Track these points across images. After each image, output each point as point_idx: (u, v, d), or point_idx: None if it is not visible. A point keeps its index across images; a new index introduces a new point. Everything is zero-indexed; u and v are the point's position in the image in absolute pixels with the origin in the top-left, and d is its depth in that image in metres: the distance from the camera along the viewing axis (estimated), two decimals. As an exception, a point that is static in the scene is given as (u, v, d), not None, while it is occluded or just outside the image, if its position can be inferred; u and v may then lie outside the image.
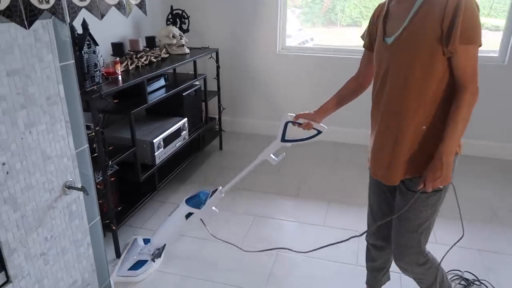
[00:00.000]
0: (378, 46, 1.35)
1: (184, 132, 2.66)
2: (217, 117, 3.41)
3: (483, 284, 1.93)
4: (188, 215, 1.84)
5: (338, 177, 2.98)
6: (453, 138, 1.23)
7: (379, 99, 1.37)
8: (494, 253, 2.16)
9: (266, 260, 2.10)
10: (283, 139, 1.76)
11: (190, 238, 2.27)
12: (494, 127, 3.23)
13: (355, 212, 2.54)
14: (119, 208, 2.14)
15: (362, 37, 1.50)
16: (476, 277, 1.96)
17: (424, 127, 1.28)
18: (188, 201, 1.85)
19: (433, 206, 1.35)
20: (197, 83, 2.98)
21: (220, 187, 1.82)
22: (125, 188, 2.29)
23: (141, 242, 2.13)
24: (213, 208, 1.85)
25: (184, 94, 2.74)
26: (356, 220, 2.44)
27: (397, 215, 1.38)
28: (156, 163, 2.35)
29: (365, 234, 1.60)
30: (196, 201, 1.84)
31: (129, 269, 1.95)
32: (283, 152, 1.81)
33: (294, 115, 1.66)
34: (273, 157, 1.80)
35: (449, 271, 2.01)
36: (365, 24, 3.93)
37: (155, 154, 2.32)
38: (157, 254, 2.00)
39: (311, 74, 3.50)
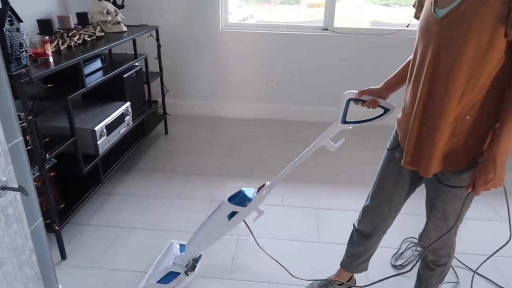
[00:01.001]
0: (425, 18, 1.18)
1: (128, 117, 2.46)
2: (160, 99, 3.21)
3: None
4: (231, 214, 1.59)
5: (291, 156, 2.95)
6: (509, 136, 1.10)
7: (419, 78, 1.21)
8: (442, 219, 2.27)
9: (228, 245, 2.02)
10: (344, 121, 1.48)
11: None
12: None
13: (312, 190, 2.54)
14: (61, 206, 1.93)
15: (414, 5, 1.31)
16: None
17: (468, 117, 1.15)
18: (231, 200, 1.59)
19: (469, 200, 1.29)
20: (137, 63, 2.76)
21: (267, 183, 1.55)
22: (66, 183, 2.07)
23: (176, 250, 1.87)
24: (259, 207, 1.58)
25: (124, 76, 2.52)
26: (315, 198, 2.44)
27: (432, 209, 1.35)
28: (100, 153, 2.14)
29: (357, 221, 1.60)
30: (240, 199, 1.58)
31: (158, 281, 1.71)
32: (343, 137, 1.50)
33: (357, 91, 1.43)
34: (332, 143, 1.52)
35: (405, 239, 2.08)
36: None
37: (98, 143, 2.11)
38: (191, 266, 1.72)
39: (257, 51, 3.40)
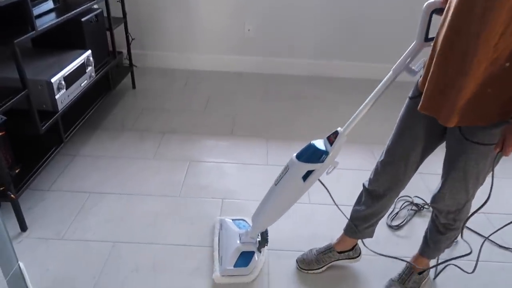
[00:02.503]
0: None
1: (90, 68, 2.14)
2: (125, 50, 2.87)
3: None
4: (307, 174, 1.31)
5: (272, 111, 2.75)
6: None
7: (448, 11, 1.02)
8: (434, 175, 2.18)
9: (211, 209, 1.84)
10: (427, 38, 1.18)
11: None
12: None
13: (297, 148, 2.37)
14: (16, 171, 1.65)
15: None
16: (424, 201, 1.96)
17: (508, 64, 0.97)
18: (302, 157, 1.31)
19: (496, 161, 1.12)
20: (96, 6, 2.39)
21: (340, 129, 1.28)
22: (22, 145, 1.78)
23: (234, 226, 1.66)
24: (336, 160, 1.32)
25: (83, 20, 2.17)
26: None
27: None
28: (59, 108, 1.85)
29: (368, 180, 1.44)
30: (313, 154, 1.29)
31: (234, 266, 1.49)
32: (423, 57, 1.19)
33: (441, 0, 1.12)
34: (413, 67, 1.21)
35: (399, 197, 1.97)
36: None
37: (56, 97, 1.81)
38: (263, 241, 1.51)
39: (233, -4, 3.08)
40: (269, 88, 3.10)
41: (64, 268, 1.50)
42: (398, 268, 1.54)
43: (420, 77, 1.20)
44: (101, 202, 1.84)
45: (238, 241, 1.54)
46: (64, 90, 1.87)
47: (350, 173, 2.17)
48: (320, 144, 1.31)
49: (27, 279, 1.36)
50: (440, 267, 1.56)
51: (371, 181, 1.41)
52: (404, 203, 1.94)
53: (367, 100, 1.26)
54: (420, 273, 1.50)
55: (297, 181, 1.32)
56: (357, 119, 1.26)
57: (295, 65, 3.30)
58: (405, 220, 1.83)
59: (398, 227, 1.80)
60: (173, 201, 1.88)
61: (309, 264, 1.54)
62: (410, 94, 1.26)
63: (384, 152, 1.35)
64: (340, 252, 1.56)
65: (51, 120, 1.79)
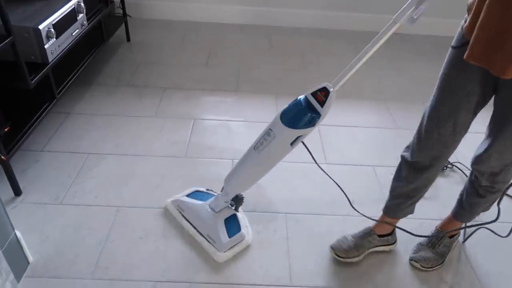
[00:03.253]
0: None
1: (81, 15, 1.92)
2: (118, -2, 2.62)
3: (455, 166, 1.83)
4: (295, 140, 1.15)
5: (279, 66, 2.57)
6: None
7: None
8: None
9: (220, 170, 1.71)
10: None
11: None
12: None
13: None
14: (5, 129, 1.49)
15: None
16: (448, 161, 1.84)
17: None
18: (290, 123, 1.12)
19: None
20: None
21: (328, 84, 1.09)
22: (10, 101, 1.60)
23: (194, 201, 1.48)
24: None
25: (71, -40, 1.92)
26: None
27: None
28: (49, 60, 1.65)
29: (405, 150, 1.28)
30: (304, 118, 1.11)
31: (229, 235, 1.36)
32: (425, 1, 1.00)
33: None
34: (413, 15, 1.03)
35: (420, 157, 1.86)
36: None
37: (46, 47, 1.61)
38: (239, 201, 1.38)
39: None
40: (275, 41, 2.89)
41: (66, 236, 1.38)
42: (426, 231, 1.44)
43: (465, 22, 1.03)
44: (101, 163, 1.70)
45: (214, 212, 1.39)
46: (54, 39, 1.66)
47: (366, 131, 2.04)
48: (310, 104, 1.12)
49: (25, 248, 1.24)
50: (470, 230, 1.47)
51: (413, 152, 1.23)
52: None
53: (361, 53, 1.06)
54: (451, 237, 1.40)
55: (285, 147, 1.17)
56: (350, 73, 1.08)
57: (301, 16, 3.07)
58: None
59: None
60: (179, 161, 1.74)
61: (347, 252, 1.34)
62: (453, 43, 1.08)
63: (425, 115, 1.17)
64: (380, 236, 1.39)
65: (41, 73, 1.60)
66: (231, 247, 1.35)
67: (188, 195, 1.52)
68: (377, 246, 1.40)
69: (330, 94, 1.08)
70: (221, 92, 2.25)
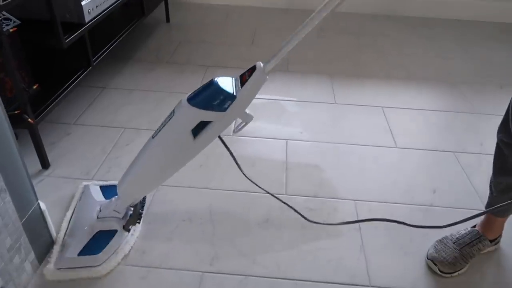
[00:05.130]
0: None
1: (122, -21, 1.74)
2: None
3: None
4: (199, 127, 0.88)
5: (331, 47, 2.32)
6: None
7: None
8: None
9: (273, 151, 1.47)
10: None
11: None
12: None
13: (368, 87, 1.96)
14: (34, 87, 1.31)
15: None
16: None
17: None
18: (193, 99, 0.87)
19: None
20: None
21: (259, 63, 0.87)
22: (42, 64, 1.43)
23: (97, 195, 1.16)
24: (247, 111, 0.90)
25: None
26: (369, 94, 1.87)
27: None
28: (86, 20, 1.47)
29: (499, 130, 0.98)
30: (211, 96, 0.86)
31: (80, 253, 1.01)
32: None
33: None
34: None
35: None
36: None
37: (82, 3, 1.44)
38: (133, 217, 1.05)
39: None
40: (324, 25, 2.64)
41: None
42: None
43: None
44: (138, 138, 1.50)
45: (95, 216, 1.06)
46: (92, -2, 1.49)
47: (441, 115, 1.75)
48: (227, 83, 0.87)
49: (49, 221, 1.03)
50: None
51: (504, 132, 0.95)
52: None
53: (301, 27, 0.85)
54: (492, 240, 1.09)
55: (183, 134, 0.88)
56: (283, 54, 0.86)
57: (351, 0, 2.82)
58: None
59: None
60: (225, 139, 1.51)
61: (454, 264, 1.04)
62: None
63: None
64: (492, 241, 1.09)
65: (77, 33, 1.42)
66: (70, 268, 0.98)
67: (104, 186, 1.21)
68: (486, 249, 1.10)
69: (255, 71, 0.84)
70: (270, 72, 2.02)
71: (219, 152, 1.42)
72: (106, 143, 1.45)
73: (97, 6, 1.54)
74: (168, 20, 2.57)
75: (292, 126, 1.61)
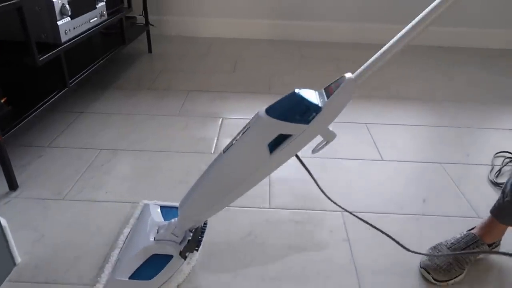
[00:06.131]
0: None
1: (101, 4, 1.75)
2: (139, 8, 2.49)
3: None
4: (276, 142, 0.78)
5: (313, 72, 2.34)
6: None
7: None
8: (529, 132, 1.74)
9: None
10: None
11: (133, 152, 1.47)
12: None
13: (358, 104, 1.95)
14: (3, 100, 1.25)
15: None
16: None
17: None
18: (271, 110, 0.79)
19: None
20: None
21: (349, 74, 0.77)
22: (15, 83, 1.39)
23: (156, 215, 1.08)
24: (330, 128, 0.78)
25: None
26: (349, 114, 1.86)
27: None
28: (62, 41, 1.45)
29: None
30: (293, 107, 0.78)
31: (132, 276, 0.91)
32: None
33: None
34: None
35: (496, 154, 1.54)
36: None
37: (59, 23, 1.42)
38: (192, 243, 0.94)
39: None
40: (306, 53, 2.69)
41: (66, 235, 1.08)
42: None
43: None
44: (115, 158, 1.43)
45: (152, 238, 0.96)
46: (69, 18, 1.48)
47: (426, 129, 1.74)
48: (310, 94, 0.79)
49: (12, 244, 0.95)
50: None
51: None
52: (504, 159, 1.50)
53: (390, 43, 0.74)
54: (490, 244, 1.03)
55: (259, 148, 0.79)
56: (380, 63, 0.74)
57: (334, 30, 2.90)
58: (514, 178, 1.39)
59: (509, 185, 1.36)
60: (207, 157, 1.46)
61: (449, 271, 0.97)
62: None
63: None
64: (490, 245, 1.03)
65: (52, 52, 1.39)
66: None
67: (164, 207, 1.12)
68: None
69: (345, 82, 0.75)
70: (252, 94, 2.01)
71: (201, 169, 1.37)
72: (80, 164, 1.38)
73: (74, 28, 1.53)
74: (150, 51, 2.58)
75: (275, 143, 1.57)
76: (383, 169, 1.43)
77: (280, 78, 2.21)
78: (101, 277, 0.92)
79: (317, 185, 0.92)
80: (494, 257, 1.06)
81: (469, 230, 1.04)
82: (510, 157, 1.50)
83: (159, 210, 1.10)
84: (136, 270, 0.91)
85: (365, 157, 1.49)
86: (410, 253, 1.04)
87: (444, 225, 1.16)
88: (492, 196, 1.30)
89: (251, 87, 2.09)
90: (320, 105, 0.76)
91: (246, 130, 0.81)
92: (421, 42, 2.77)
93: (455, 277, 0.97)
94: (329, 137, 0.78)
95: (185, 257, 0.93)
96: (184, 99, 1.92)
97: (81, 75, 1.65)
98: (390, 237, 0.93)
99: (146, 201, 1.16)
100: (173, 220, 0.96)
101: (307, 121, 0.76)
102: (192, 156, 1.46)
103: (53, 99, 1.43)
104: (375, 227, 0.95)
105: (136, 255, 0.93)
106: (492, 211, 1.01)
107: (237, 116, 1.77)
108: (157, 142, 1.54)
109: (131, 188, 1.27)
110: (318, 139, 0.80)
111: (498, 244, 1.06)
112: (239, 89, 2.05)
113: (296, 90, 0.79)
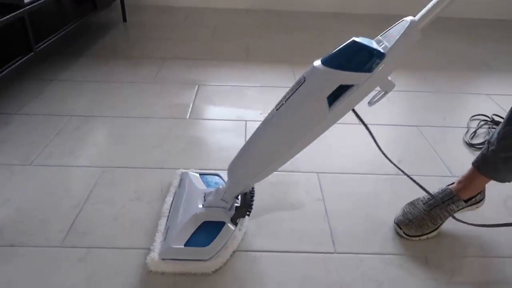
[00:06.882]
0: None
1: (68, -34, 1.67)
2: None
3: (517, 125, 1.50)
4: (335, 94, 0.73)
5: (292, 40, 2.30)
6: None
7: None
8: (504, 96, 1.75)
9: (233, 132, 1.39)
10: None
11: (105, 119, 1.43)
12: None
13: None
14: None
15: None
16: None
17: None
18: (329, 61, 0.74)
19: None
20: None
21: (410, 17, 0.72)
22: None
23: (198, 182, 1.05)
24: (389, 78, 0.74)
25: None
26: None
27: None
28: (26, 1, 1.38)
29: None
30: (353, 55, 0.73)
31: (186, 244, 0.87)
32: None
33: None
34: None
35: (472, 117, 1.54)
36: None
37: (21, -18, 1.35)
38: (243, 208, 0.90)
39: None
40: (285, 21, 2.64)
41: (33, 199, 1.05)
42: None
43: None
44: (87, 125, 1.39)
45: (201, 204, 0.94)
46: (32, -23, 1.40)
47: (402, 94, 1.73)
48: (369, 42, 0.74)
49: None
50: None
51: None
52: (480, 122, 1.51)
53: None
54: (467, 200, 1.00)
55: (318, 102, 0.74)
56: (443, 5, 0.71)
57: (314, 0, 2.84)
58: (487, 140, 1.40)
59: (483, 145, 1.36)
60: (181, 123, 1.43)
61: (420, 226, 0.96)
62: None
63: None
64: (467, 201, 0.99)
65: (14, 13, 1.32)
66: (176, 260, 0.85)
67: (203, 174, 1.10)
68: (461, 210, 1.00)
69: (408, 26, 0.70)
70: (230, 61, 1.96)
71: (177, 134, 1.34)
72: (49, 131, 1.34)
73: (38, -12, 1.45)
74: (125, 19, 2.49)
75: (252, 109, 1.54)
76: (360, 132, 1.42)
77: (258, 47, 2.17)
78: (153, 245, 0.88)
79: (375, 142, 0.90)
80: (476, 213, 1.06)
81: (449, 184, 1.03)
82: (485, 120, 1.51)
83: (199, 177, 1.07)
84: (190, 237, 0.88)
85: (343, 121, 1.48)
86: (384, 210, 1.04)
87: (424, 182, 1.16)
88: (467, 156, 1.31)
89: (229, 55, 2.04)
90: (382, 51, 0.71)
91: (301, 84, 0.75)
92: (400, 12, 2.75)
93: (428, 233, 0.98)
94: (388, 87, 0.74)
95: (236, 223, 0.91)
96: (160, 66, 1.86)
97: (48, 40, 1.58)
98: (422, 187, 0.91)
99: (183, 170, 1.13)
100: (220, 186, 0.93)
101: (370, 69, 0.71)
102: (166, 121, 1.43)
103: (18, 63, 1.37)
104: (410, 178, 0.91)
105: (187, 223, 0.90)
106: (474, 162, 0.98)
107: (214, 83, 1.73)
108: (130, 108, 1.50)
109: (102, 154, 1.24)
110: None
111: (481, 200, 1.02)
112: (217, 57, 2.00)
113: (355, 38, 0.74)
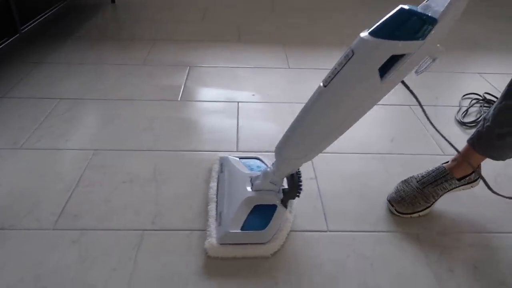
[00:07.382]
0: None
1: None
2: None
3: (508, 103, 1.51)
4: (387, 66, 0.71)
5: (284, 20, 2.27)
6: None
7: None
8: (497, 74, 1.75)
9: (225, 113, 1.38)
10: None
11: (95, 101, 1.41)
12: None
13: (323, 53, 1.91)
14: None
15: None
16: (496, 97, 1.53)
17: None
18: (381, 30, 0.71)
19: None
20: None
21: None
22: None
23: (241, 166, 1.03)
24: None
25: None
26: (324, 59, 1.82)
27: None
28: (9, -20, 1.34)
29: None
30: (404, 22, 0.69)
31: (242, 228, 0.86)
32: None
33: None
34: None
35: (464, 95, 1.55)
36: None
37: (3, -39, 1.30)
38: (293, 190, 0.89)
39: None
40: (276, 2, 2.60)
41: (23, 182, 1.04)
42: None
43: None
44: (76, 108, 1.37)
45: (249, 188, 0.93)
46: (15, -45, 1.36)
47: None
48: (418, 9, 0.71)
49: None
50: None
51: None
52: (471, 100, 1.51)
53: None
54: (460, 179, 0.99)
55: (369, 74, 0.72)
56: None
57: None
58: (479, 118, 1.41)
59: (475, 123, 1.37)
60: (172, 105, 1.41)
61: (412, 204, 0.97)
62: None
63: None
64: (460, 179, 0.99)
65: (-3, -7, 1.28)
66: (235, 244, 0.86)
67: (242, 158, 1.09)
68: (454, 189, 1.01)
69: None
70: (221, 43, 1.94)
71: (167, 116, 1.33)
72: (38, 114, 1.32)
73: (22, -33, 1.41)
74: (113, 0, 2.44)
75: (244, 90, 1.53)
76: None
77: (250, 27, 2.14)
78: (209, 231, 0.88)
79: (427, 117, 0.88)
80: (470, 191, 1.07)
81: (444, 163, 1.03)
82: (477, 98, 1.52)
83: (239, 161, 1.06)
84: (244, 221, 0.87)
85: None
86: (377, 189, 1.05)
87: (411, 163, 1.17)
88: (459, 135, 1.31)
89: (220, 36, 2.01)
90: (434, 17, 0.68)
91: (350, 58, 0.73)
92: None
93: (419, 211, 0.98)
94: (437, 53, 0.71)
95: (286, 206, 0.91)
96: (150, 48, 1.83)
97: (34, 21, 1.54)
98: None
99: (221, 154, 1.11)
100: (268, 169, 0.91)
101: (423, 36, 0.68)
102: (157, 104, 1.41)
103: (2, 45, 1.34)
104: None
105: (240, 207, 0.89)
106: (469, 140, 0.97)
107: (205, 65, 1.71)
108: (120, 91, 1.48)
109: (93, 136, 1.23)
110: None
111: (476, 179, 1.01)
112: (208, 38, 1.98)
113: (402, 6, 0.71)
